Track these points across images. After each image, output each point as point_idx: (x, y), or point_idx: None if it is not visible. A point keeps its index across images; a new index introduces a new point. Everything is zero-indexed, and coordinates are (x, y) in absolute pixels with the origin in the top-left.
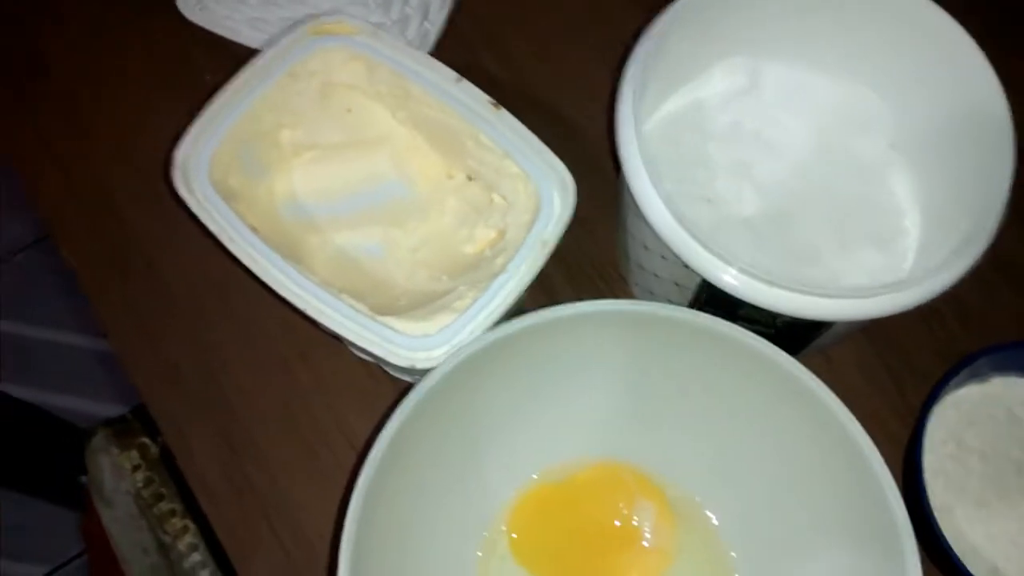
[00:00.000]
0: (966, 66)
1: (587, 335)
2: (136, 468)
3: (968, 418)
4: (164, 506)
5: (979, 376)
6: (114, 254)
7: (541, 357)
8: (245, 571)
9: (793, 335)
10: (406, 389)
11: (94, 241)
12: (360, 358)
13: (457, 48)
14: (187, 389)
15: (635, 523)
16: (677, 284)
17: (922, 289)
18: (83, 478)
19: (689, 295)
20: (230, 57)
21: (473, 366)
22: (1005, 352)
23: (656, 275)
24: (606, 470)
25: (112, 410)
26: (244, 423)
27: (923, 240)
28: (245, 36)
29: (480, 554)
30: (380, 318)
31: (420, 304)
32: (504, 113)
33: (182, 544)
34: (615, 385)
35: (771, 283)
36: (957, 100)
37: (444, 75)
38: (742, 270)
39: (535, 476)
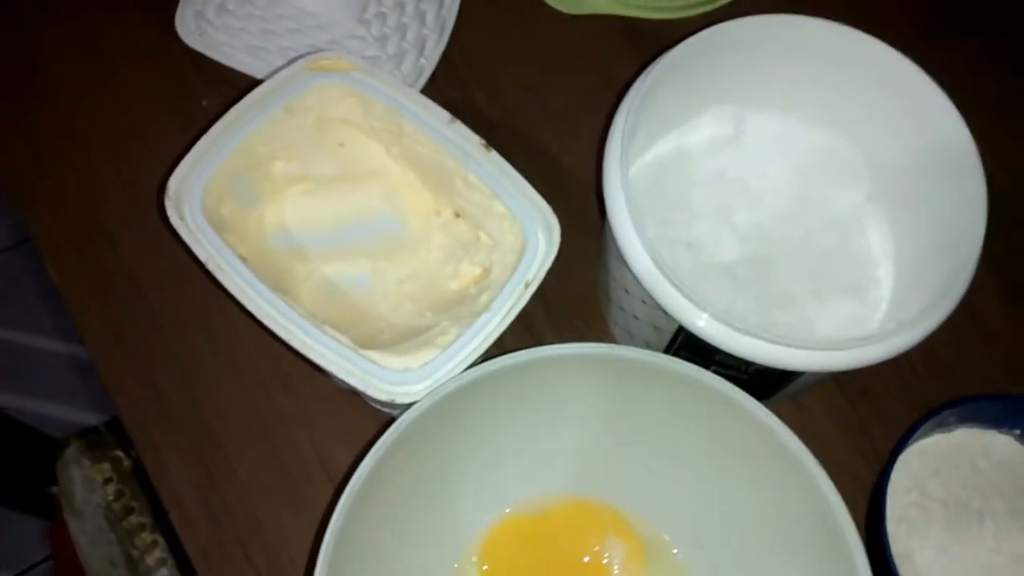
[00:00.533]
0: (938, 118)
1: (565, 375)
2: (107, 481)
3: (933, 467)
4: (134, 520)
5: (945, 426)
6: (101, 274)
7: (519, 395)
8: None
9: (765, 381)
10: (387, 422)
11: (82, 260)
12: (342, 387)
13: (449, 83)
14: (167, 412)
15: (605, 560)
16: (655, 327)
17: (894, 343)
18: (53, 488)
19: (667, 338)
20: (227, 83)
21: (452, 403)
22: (970, 404)
23: (636, 317)
24: (580, 506)
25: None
26: (223, 448)
27: (896, 290)
28: (243, 63)
29: None
30: (362, 351)
31: (403, 338)
32: (494, 155)
33: (150, 559)
34: (591, 424)
35: (744, 332)
36: (929, 152)
37: (437, 115)
38: (717, 318)
39: (508, 510)
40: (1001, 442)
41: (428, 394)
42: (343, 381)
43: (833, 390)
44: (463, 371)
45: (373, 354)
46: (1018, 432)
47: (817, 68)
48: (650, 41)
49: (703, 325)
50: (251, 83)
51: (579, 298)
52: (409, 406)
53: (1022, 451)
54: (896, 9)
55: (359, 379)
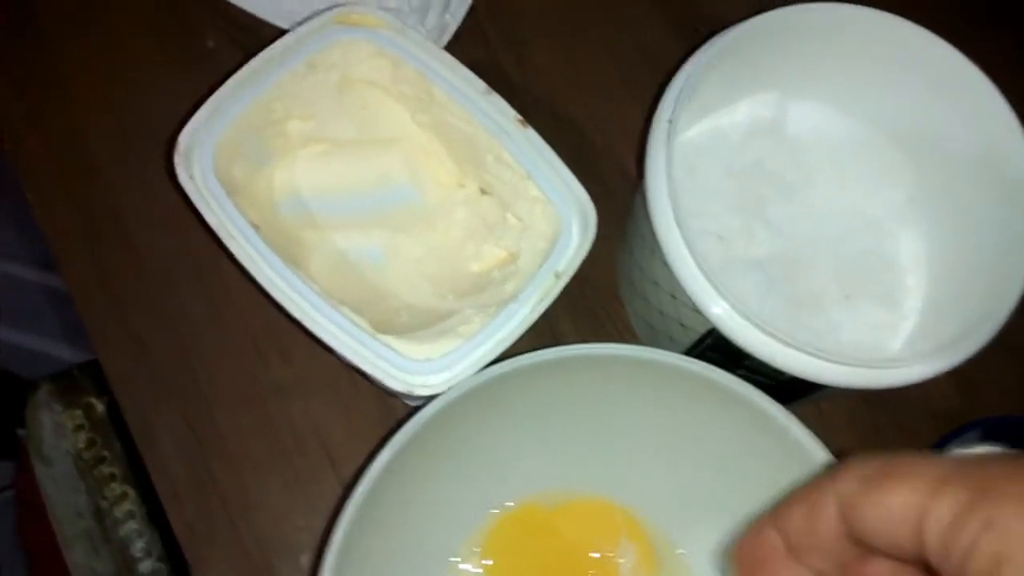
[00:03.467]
0: (990, 120)
1: (590, 374)
2: (79, 428)
3: None
4: (105, 469)
5: (966, 443)
6: (89, 220)
7: (541, 391)
8: (200, 570)
9: (793, 389)
10: (393, 407)
11: (69, 205)
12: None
13: (474, 42)
14: (156, 372)
15: (615, 560)
16: (683, 325)
17: (929, 367)
18: (21, 431)
19: (694, 337)
20: (234, 24)
21: (473, 398)
22: (995, 423)
23: (662, 312)
24: (594, 506)
25: (59, 349)
26: (214, 416)
27: (928, 302)
28: (253, 3)
29: None
30: (381, 336)
31: (421, 323)
32: (531, 132)
33: (119, 511)
34: (612, 424)
35: (783, 342)
36: (978, 157)
37: (473, 84)
38: (754, 324)
39: (516, 503)
40: None
41: (449, 389)
42: (357, 367)
43: (855, 398)
44: (486, 365)
45: (391, 340)
46: None
47: (865, 60)
48: (690, 10)
49: (738, 330)
50: (261, 25)
51: (596, 281)
52: (424, 397)
53: None
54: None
55: (376, 367)
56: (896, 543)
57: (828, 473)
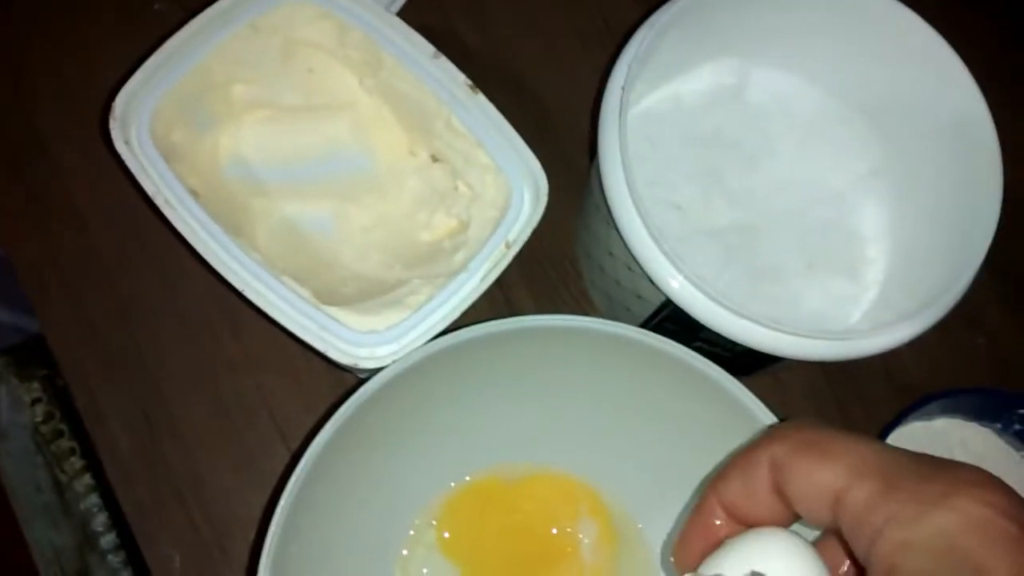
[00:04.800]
0: (955, 92)
1: (545, 346)
2: (36, 401)
3: None
4: (63, 443)
5: (926, 415)
6: (35, 195)
7: (494, 363)
8: (151, 550)
9: (750, 361)
10: (344, 381)
11: (14, 178)
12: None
13: (430, 9)
14: (103, 349)
15: (573, 535)
16: (639, 296)
17: (888, 338)
18: None
19: (650, 309)
20: None
21: (421, 370)
22: (955, 397)
23: (618, 283)
24: (554, 480)
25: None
26: (164, 394)
27: (890, 274)
28: None
29: (406, 552)
30: (324, 308)
31: (368, 294)
32: (481, 98)
33: (79, 485)
34: (570, 397)
35: (737, 314)
36: (942, 129)
37: (421, 48)
38: (710, 296)
39: (471, 476)
40: (981, 434)
41: (395, 362)
42: (301, 339)
43: (813, 367)
44: (433, 337)
45: (335, 311)
46: (999, 426)
47: (829, 27)
48: None
49: (694, 302)
50: None
51: (553, 251)
52: (372, 370)
53: (1000, 445)
54: None
55: (318, 338)
56: (813, 512)
57: (764, 435)
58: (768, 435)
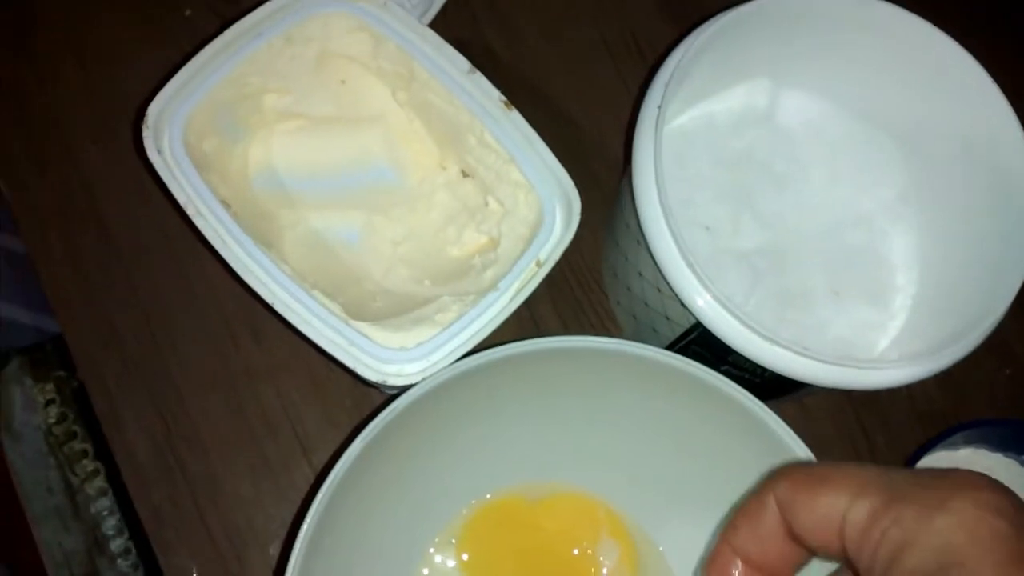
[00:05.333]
0: (987, 115)
1: (569, 367)
2: (50, 402)
3: None
4: (76, 445)
5: (950, 444)
6: (59, 195)
7: (521, 382)
8: (167, 557)
9: (778, 386)
10: (374, 399)
11: (39, 177)
12: None
13: (461, 19)
14: (124, 354)
15: (594, 556)
16: (667, 318)
17: (916, 370)
18: None
19: (678, 331)
20: None
21: (449, 389)
22: (981, 428)
23: (646, 304)
24: (575, 500)
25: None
26: (183, 399)
27: (919, 301)
28: None
29: (426, 571)
30: (354, 323)
31: (397, 309)
32: (515, 114)
33: (91, 487)
34: (593, 418)
35: (770, 340)
36: (977, 157)
37: (456, 62)
38: (745, 323)
39: (494, 495)
40: (1004, 465)
41: (424, 380)
42: (329, 354)
43: (840, 396)
44: (463, 355)
45: (365, 327)
46: (1023, 458)
47: (861, 50)
48: None
49: (723, 325)
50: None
51: (580, 267)
52: (399, 387)
53: None
54: None
55: (347, 354)
56: (824, 542)
57: (765, 482)
58: (769, 478)
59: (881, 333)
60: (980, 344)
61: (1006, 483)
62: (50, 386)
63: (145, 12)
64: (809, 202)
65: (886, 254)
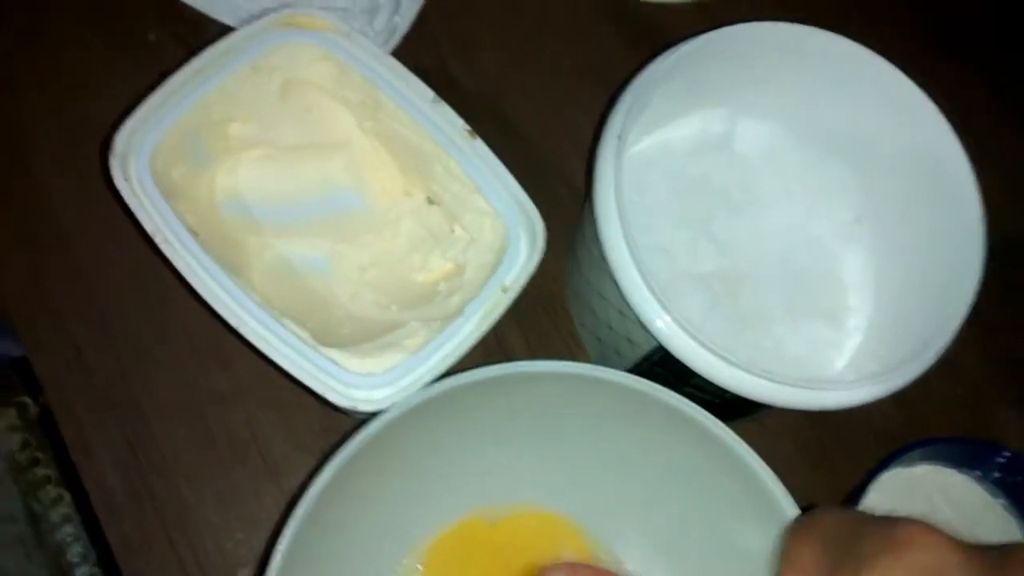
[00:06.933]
0: (940, 150)
1: (538, 390)
2: (12, 428)
3: (891, 501)
4: (39, 472)
5: (907, 461)
6: (23, 219)
7: (486, 406)
8: None
9: (738, 406)
10: (342, 423)
11: (4, 206)
12: None
13: (424, 46)
14: (91, 380)
15: None
16: (630, 340)
17: (873, 390)
18: None
19: (640, 354)
20: (177, 16)
21: (417, 415)
22: (937, 445)
23: (610, 327)
24: (537, 519)
25: None
26: (152, 427)
27: (873, 321)
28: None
29: None
30: (323, 349)
31: (365, 335)
32: (479, 144)
33: (55, 514)
34: (557, 439)
35: (729, 362)
36: (928, 184)
37: (420, 92)
38: (704, 345)
39: (459, 517)
40: (960, 482)
41: (392, 405)
42: (298, 380)
43: (798, 412)
44: (430, 381)
45: (333, 353)
46: (978, 474)
47: (815, 80)
48: (640, 23)
49: (682, 346)
50: (204, 19)
51: (544, 290)
52: (368, 413)
53: (980, 493)
54: (907, 21)
55: (316, 381)
56: None
57: None
58: None
59: (837, 352)
60: (933, 364)
61: (961, 499)
62: (12, 412)
63: (108, 33)
64: (765, 226)
65: (840, 276)
